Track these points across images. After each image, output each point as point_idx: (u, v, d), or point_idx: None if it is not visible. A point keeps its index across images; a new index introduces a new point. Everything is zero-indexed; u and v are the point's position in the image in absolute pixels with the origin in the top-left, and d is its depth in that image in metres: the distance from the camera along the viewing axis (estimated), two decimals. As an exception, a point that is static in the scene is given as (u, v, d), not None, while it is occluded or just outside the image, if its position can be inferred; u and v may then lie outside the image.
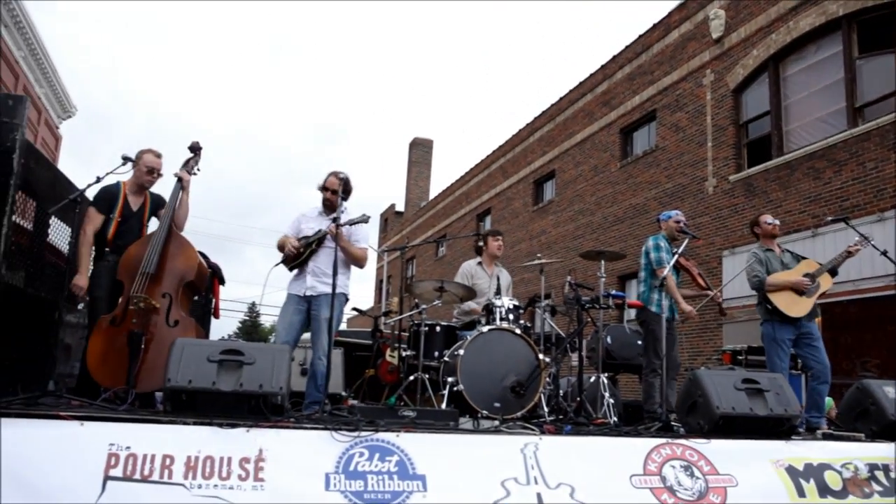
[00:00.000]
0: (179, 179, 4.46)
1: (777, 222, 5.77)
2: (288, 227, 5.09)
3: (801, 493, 3.60)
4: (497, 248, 6.13)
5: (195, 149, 4.60)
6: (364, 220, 4.74)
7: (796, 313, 5.33)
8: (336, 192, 4.82)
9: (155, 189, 4.71)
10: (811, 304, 5.39)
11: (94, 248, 4.46)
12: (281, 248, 4.95)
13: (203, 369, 3.27)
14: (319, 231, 4.86)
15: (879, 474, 3.80)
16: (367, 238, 5.10)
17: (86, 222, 4.34)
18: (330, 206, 4.96)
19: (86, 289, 4.16)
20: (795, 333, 5.38)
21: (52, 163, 4.82)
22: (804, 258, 5.69)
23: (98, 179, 4.16)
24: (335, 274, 4.30)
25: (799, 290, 5.37)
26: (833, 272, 5.50)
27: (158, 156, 4.56)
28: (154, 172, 4.52)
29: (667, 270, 5.05)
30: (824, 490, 3.65)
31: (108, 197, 4.43)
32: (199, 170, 4.62)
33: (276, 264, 4.92)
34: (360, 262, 4.99)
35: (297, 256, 4.82)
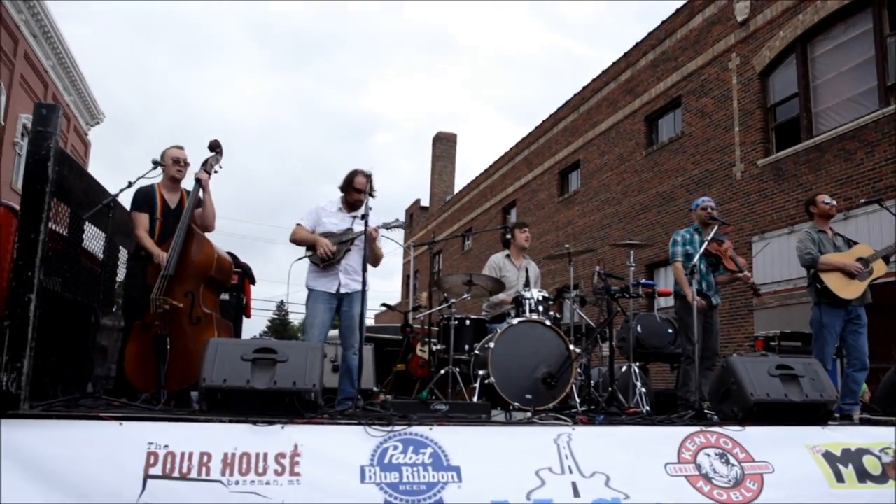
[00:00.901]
0: (198, 181, 4.52)
1: (834, 203, 5.68)
2: (305, 219, 4.97)
3: (840, 479, 3.55)
4: (525, 239, 6.13)
5: (214, 147, 4.64)
6: (402, 225, 4.80)
7: (847, 295, 5.25)
8: (364, 191, 4.87)
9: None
10: (863, 287, 5.31)
11: (131, 248, 4.56)
12: (301, 242, 4.88)
13: (237, 368, 3.33)
14: (351, 231, 4.86)
15: None
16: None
17: (136, 227, 4.44)
18: (354, 205, 4.97)
19: (165, 257, 4.23)
20: (845, 318, 5.31)
21: (84, 169, 4.92)
22: (856, 243, 5.59)
23: (130, 184, 4.24)
24: (364, 271, 4.34)
25: (851, 274, 5.28)
26: (887, 259, 5.40)
27: (180, 148, 4.66)
28: (180, 162, 4.59)
29: (696, 258, 5.02)
30: (863, 475, 3.60)
31: (146, 198, 4.52)
32: (220, 167, 4.65)
33: (300, 258, 4.89)
34: (378, 262, 5.04)
35: (329, 259, 4.80)
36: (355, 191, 4.93)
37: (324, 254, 4.75)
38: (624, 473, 3.32)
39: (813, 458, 3.62)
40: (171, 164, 4.56)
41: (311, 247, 4.87)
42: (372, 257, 4.84)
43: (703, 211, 5.64)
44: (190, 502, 2.85)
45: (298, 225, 4.94)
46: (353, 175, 4.97)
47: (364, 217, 4.54)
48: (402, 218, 4.79)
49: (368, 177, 4.90)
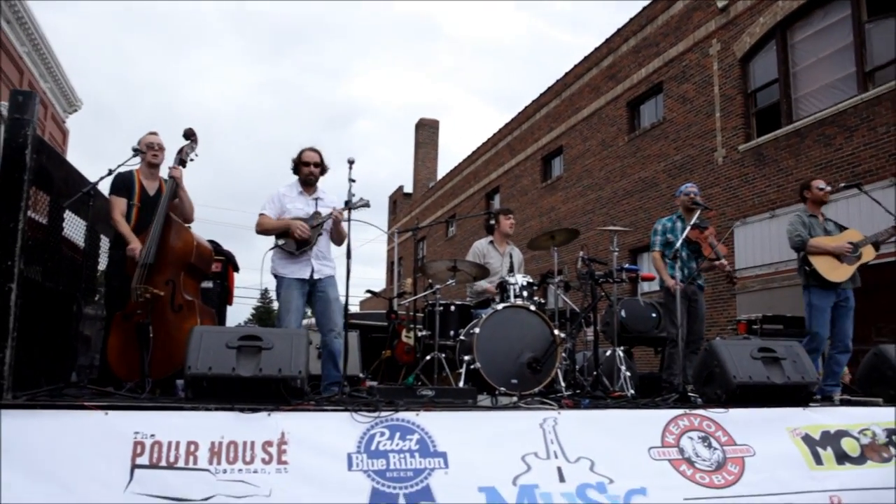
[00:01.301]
0: (172, 178, 4.48)
1: (829, 188, 5.72)
2: (268, 207, 4.85)
3: (819, 461, 3.62)
4: (509, 226, 6.14)
5: (189, 135, 4.60)
6: (366, 204, 4.73)
7: (836, 278, 5.33)
8: (318, 165, 4.88)
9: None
10: (851, 271, 5.38)
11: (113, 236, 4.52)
12: (272, 230, 4.78)
13: (222, 356, 3.32)
14: (319, 214, 4.82)
15: None
16: None
17: (112, 210, 4.41)
18: (310, 183, 4.94)
19: (139, 249, 4.21)
20: (835, 300, 5.38)
21: (63, 157, 4.85)
22: (847, 228, 5.65)
23: (110, 172, 4.21)
24: (349, 257, 4.33)
25: (839, 257, 5.35)
26: (877, 245, 5.47)
27: (154, 133, 4.66)
28: (154, 146, 4.58)
29: (677, 244, 5.08)
30: (842, 457, 3.67)
31: (124, 183, 4.49)
32: (196, 155, 4.62)
33: (273, 248, 4.80)
34: (342, 242, 4.93)
35: (307, 241, 4.76)
36: (304, 165, 4.89)
37: (301, 236, 4.70)
38: (608, 458, 3.36)
39: (793, 441, 3.67)
40: (147, 149, 4.54)
41: (281, 234, 4.79)
42: (340, 238, 4.86)
43: (685, 197, 5.73)
44: (177, 492, 2.83)
45: (262, 215, 4.83)
46: (301, 151, 4.94)
47: (348, 202, 4.53)
48: (366, 197, 4.71)
49: (319, 152, 4.91)
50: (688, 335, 5.46)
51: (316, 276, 4.79)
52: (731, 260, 11.09)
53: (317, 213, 4.84)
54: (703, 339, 5.74)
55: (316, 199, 4.94)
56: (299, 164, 4.92)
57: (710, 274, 10.85)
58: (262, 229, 4.83)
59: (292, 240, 4.75)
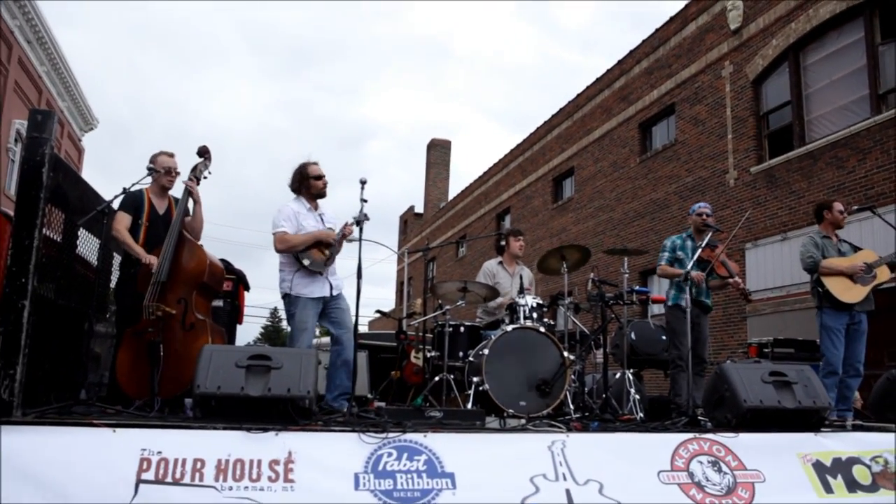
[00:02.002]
0: (187, 189, 4.49)
1: (846, 214, 5.72)
2: (286, 224, 4.71)
3: (829, 490, 3.56)
4: (519, 247, 6.15)
5: (203, 153, 4.61)
6: (366, 217, 4.72)
7: (849, 299, 5.28)
8: (322, 177, 4.86)
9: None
10: (865, 292, 5.33)
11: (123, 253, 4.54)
12: (298, 245, 4.66)
13: (231, 375, 3.31)
14: (332, 230, 4.83)
15: None
16: None
17: (116, 223, 4.40)
18: (318, 195, 4.92)
19: (154, 261, 4.19)
20: (848, 322, 5.33)
21: (79, 175, 4.91)
22: (861, 248, 5.62)
23: (124, 191, 4.24)
24: (359, 276, 4.34)
25: (853, 278, 5.31)
26: (892, 266, 5.42)
27: (171, 155, 4.63)
28: (172, 172, 4.59)
29: (689, 265, 5.06)
30: (853, 485, 3.62)
31: (133, 202, 4.49)
32: (209, 173, 4.62)
33: (298, 270, 4.72)
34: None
35: (329, 259, 4.73)
36: (316, 179, 4.86)
37: (335, 240, 4.70)
38: (617, 481, 3.33)
39: (803, 468, 3.63)
40: (164, 173, 4.55)
41: (303, 253, 4.70)
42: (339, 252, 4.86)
43: (697, 217, 5.70)
44: None
45: (284, 231, 4.69)
46: (304, 167, 4.87)
47: (359, 222, 4.52)
48: (365, 210, 4.66)
49: (317, 163, 4.89)
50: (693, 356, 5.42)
51: (335, 293, 4.82)
52: (743, 282, 11.02)
53: (329, 230, 4.85)
54: (707, 362, 5.70)
55: (321, 215, 4.94)
56: (309, 179, 4.85)
57: (722, 296, 10.75)
58: (288, 246, 4.67)
59: (318, 257, 4.69)
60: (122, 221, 4.41)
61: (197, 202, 4.57)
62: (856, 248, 5.61)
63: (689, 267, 5.07)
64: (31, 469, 2.82)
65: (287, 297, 4.74)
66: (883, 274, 5.38)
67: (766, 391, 3.92)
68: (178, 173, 4.62)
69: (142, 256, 4.25)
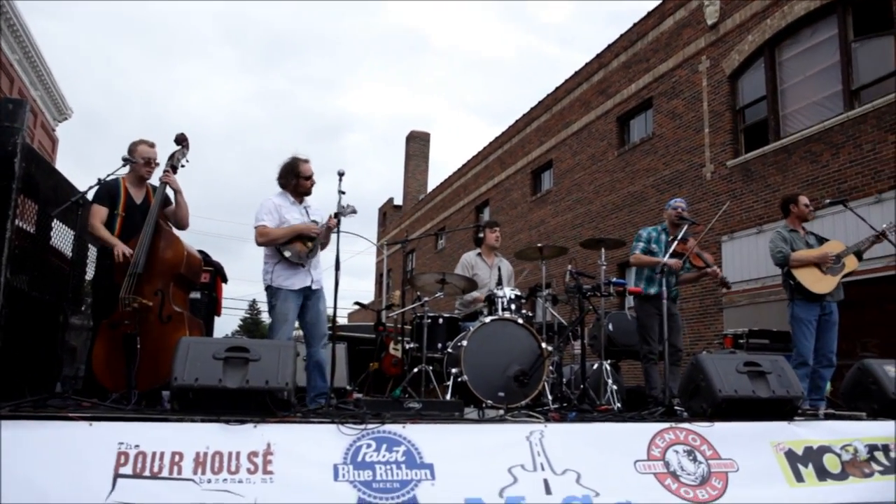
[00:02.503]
0: (163, 183, 4.42)
1: (812, 207, 5.80)
2: (267, 218, 4.72)
3: (800, 479, 3.62)
4: (494, 239, 6.17)
5: (181, 140, 4.55)
6: (353, 210, 4.71)
7: (820, 290, 5.37)
8: (311, 177, 4.86)
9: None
10: (835, 282, 5.44)
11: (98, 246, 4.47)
12: (278, 238, 4.67)
13: (209, 367, 3.29)
14: (317, 223, 4.82)
15: (879, 454, 3.83)
16: None
17: (91, 218, 4.33)
18: (304, 194, 4.93)
19: (124, 250, 4.12)
20: (819, 313, 5.42)
21: (52, 166, 4.82)
22: (828, 240, 5.72)
23: (99, 181, 4.17)
24: (337, 268, 4.33)
25: (822, 268, 5.40)
26: (859, 255, 5.52)
27: (152, 145, 4.54)
28: (151, 162, 4.51)
29: (665, 257, 5.12)
30: (823, 473, 3.68)
31: (108, 192, 4.40)
32: (187, 161, 4.56)
33: (279, 261, 4.72)
34: (323, 249, 4.95)
35: (311, 251, 4.73)
36: (305, 178, 4.86)
37: (317, 233, 4.70)
38: (595, 471, 3.35)
39: (775, 457, 3.68)
40: (142, 164, 4.47)
41: (285, 245, 4.71)
42: (326, 244, 4.87)
43: (672, 211, 5.76)
44: (161, 500, 2.82)
45: (264, 225, 4.70)
46: (295, 164, 4.85)
47: (337, 214, 4.55)
48: (352, 203, 4.71)
49: (308, 161, 4.88)
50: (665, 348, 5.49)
51: (314, 287, 4.79)
52: (720, 270, 11.18)
53: (314, 222, 4.84)
54: (682, 351, 5.76)
55: (306, 207, 4.94)
56: (297, 177, 4.84)
57: (699, 288, 10.89)
58: (269, 239, 4.69)
59: (300, 249, 4.70)
60: (97, 215, 4.33)
61: (178, 191, 4.51)
62: (822, 240, 5.71)
63: (665, 258, 5.12)
64: (7, 464, 2.77)
65: (269, 289, 4.73)
66: (851, 263, 5.49)
67: (741, 381, 3.97)
68: (157, 164, 4.54)
69: (117, 247, 4.17)
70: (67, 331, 4.32)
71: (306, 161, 4.89)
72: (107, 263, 4.34)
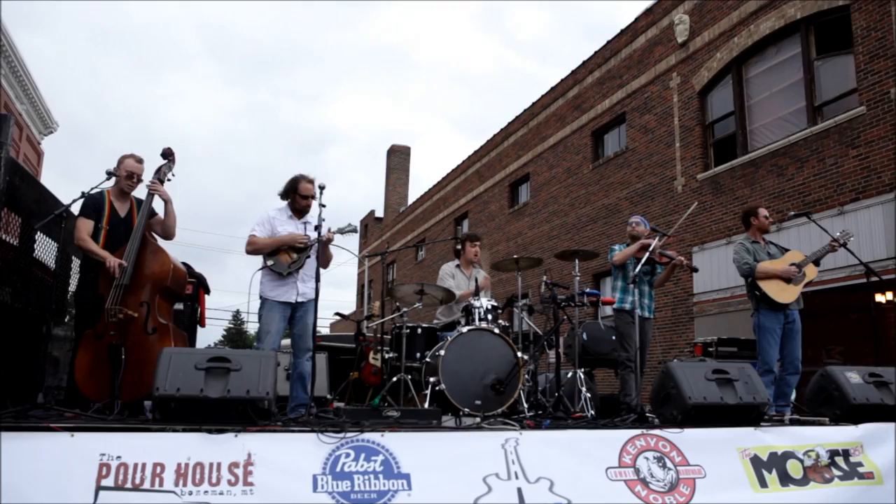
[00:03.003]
0: (150, 192, 4.45)
1: (771, 217, 5.99)
2: (258, 229, 4.89)
3: (763, 484, 3.71)
4: (474, 254, 6.26)
5: (167, 155, 4.58)
6: (354, 229, 4.86)
7: (784, 300, 5.53)
8: (313, 197, 4.92)
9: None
10: (797, 291, 5.60)
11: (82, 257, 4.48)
12: (264, 248, 4.79)
13: (191, 377, 3.29)
14: (310, 238, 4.87)
15: (839, 460, 3.93)
16: None
17: (78, 231, 4.34)
18: (302, 211, 5.02)
19: (118, 262, 4.14)
20: (783, 322, 5.57)
21: (37, 179, 4.83)
22: (788, 249, 5.89)
23: (83, 195, 4.17)
24: (318, 279, 4.41)
25: (786, 279, 5.58)
26: (817, 263, 5.71)
27: (140, 161, 4.56)
28: (133, 177, 4.51)
29: (637, 268, 5.27)
30: (785, 479, 3.77)
31: (94, 205, 4.42)
32: (173, 175, 4.59)
33: (262, 268, 4.84)
34: (328, 265, 5.05)
35: (297, 259, 4.81)
36: (302, 197, 4.96)
37: (303, 243, 4.78)
38: (567, 478, 3.41)
39: (741, 463, 3.76)
40: (125, 177, 4.47)
41: (271, 253, 4.82)
42: (326, 262, 4.91)
43: (629, 228, 6.04)
44: None
45: (253, 235, 4.86)
46: (297, 181, 4.95)
47: (317, 227, 4.63)
48: (354, 223, 4.87)
49: (312, 182, 4.95)
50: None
51: (299, 300, 4.84)
52: (689, 285, 11.40)
53: (306, 236, 4.90)
54: (646, 363, 5.92)
55: (305, 223, 5.02)
56: (296, 195, 4.96)
57: (671, 298, 11.07)
58: (254, 248, 4.84)
59: (284, 260, 4.79)
60: (83, 228, 4.34)
61: (167, 201, 4.53)
62: (783, 250, 5.88)
63: (634, 271, 5.26)
64: None
65: (260, 299, 4.86)
66: (811, 272, 5.67)
67: (710, 388, 4.06)
68: (140, 180, 4.55)
69: (107, 259, 4.19)
70: (50, 342, 4.31)
71: (309, 181, 4.96)
72: (90, 275, 4.34)
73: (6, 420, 3.17)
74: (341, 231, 4.77)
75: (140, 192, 4.60)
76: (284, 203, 5.05)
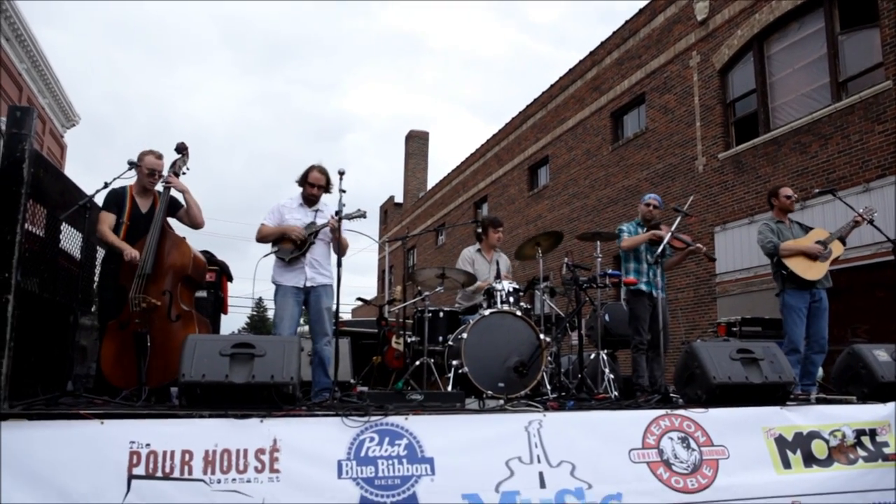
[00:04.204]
0: (167, 186, 4.51)
1: (795, 196, 5.89)
2: (268, 218, 5.11)
3: (787, 465, 3.67)
4: (497, 239, 6.25)
5: (181, 150, 4.66)
6: (362, 215, 4.90)
7: (811, 276, 5.47)
8: (322, 187, 5.08)
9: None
10: (825, 268, 5.53)
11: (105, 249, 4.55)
12: (269, 237, 5.00)
13: (216, 363, 3.32)
14: (314, 224, 5.02)
15: (865, 439, 3.88)
16: None
17: (99, 223, 4.43)
18: (313, 200, 5.15)
19: (137, 255, 4.22)
20: (809, 300, 5.51)
21: (60, 171, 4.90)
22: (812, 228, 5.81)
23: (106, 185, 4.24)
24: (339, 265, 4.44)
25: (812, 256, 5.51)
26: (843, 240, 5.63)
27: (159, 157, 4.63)
28: (155, 174, 4.58)
29: (644, 253, 5.26)
30: (809, 459, 3.73)
31: (116, 199, 4.51)
32: (188, 169, 4.66)
33: (267, 255, 5.02)
34: (345, 252, 5.06)
35: (298, 248, 4.94)
36: (310, 186, 5.11)
37: (297, 237, 4.90)
38: (589, 461, 3.40)
39: (766, 443, 3.72)
40: (146, 174, 4.55)
41: (276, 241, 4.99)
42: (340, 248, 4.94)
43: (644, 207, 5.95)
44: (174, 502, 2.87)
45: (263, 224, 5.08)
46: (308, 171, 5.13)
47: (338, 212, 4.68)
48: (363, 208, 4.98)
49: (325, 173, 5.09)
50: (652, 339, 5.58)
51: (309, 284, 4.95)
52: (711, 265, 11.28)
53: (312, 223, 5.04)
54: (669, 342, 5.87)
55: (316, 210, 5.16)
56: (304, 182, 5.13)
57: (693, 278, 10.97)
58: (261, 236, 5.06)
59: (286, 247, 4.93)
60: (106, 221, 4.44)
61: (186, 192, 4.61)
62: (806, 229, 5.80)
63: (644, 254, 5.22)
64: (21, 463, 2.82)
65: (273, 284, 5.02)
66: (837, 248, 5.59)
67: (734, 368, 4.03)
68: (161, 176, 4.61)
69: (125, 250, 4.26)
70: (78, 331, 4.39)
71: (321, 171, 5.13)
72: (112, 267, 4.42)
73: (37, 407, 3.24)
74: (349, 217, 4.83)
75: (160, 187, 4.65)
76: (300, 191, 5.21)
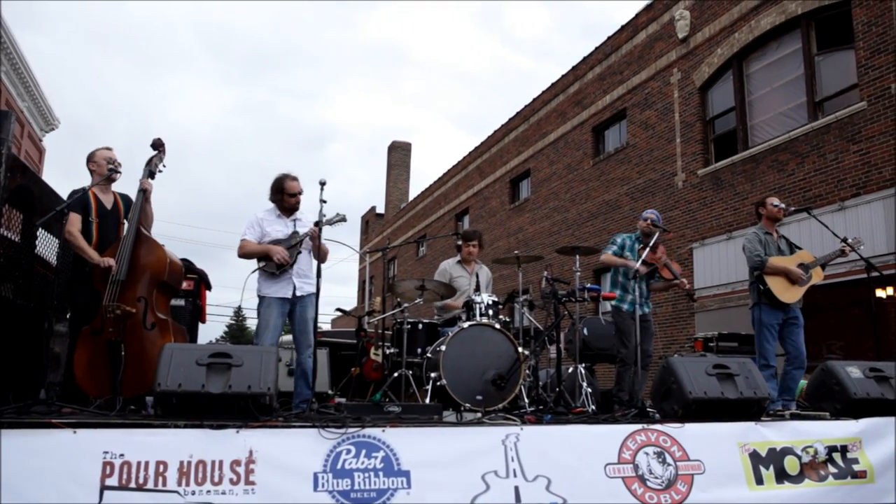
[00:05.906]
0: (143, 191, 4.40)
1: (783, 206, 5.87)
2: (248, 232, 5.01)
3: (760, 481, 3.71)
4: (468, 253, 6.24)
5: (158, 146, 4.52)
6: (342, 219, 4.87)
7: (787, 299, 5.49)
8: (300, 192, 5.03)
9: (121, 188, 4.70)
10: (801, 292, 5.56)
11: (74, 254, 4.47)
12: (252, 255, 4.94)
13: (192, 373, 3.29)
14: (297, 234, 4.96)
15: (837, 456, 3.93)
16: None
17: (69, 226, 4.29)
18: (290, 209, 5.09)
19: (111, 261, 4.12)
20: (783, 318, 5.54)
21: (38, 175, 4.82)
22: (799, 248, 5.83)
23: (84, 191, 4.19)
24: (318, 275, 4.42)
25: (793, 279, 5.54)
26: (824, 266, 5.67)
27: (109, 148, 4.57)
28: (116, 162, 4.49)
29: (637, 264, 5.27)
30: (781, 475, 3.77)
31: (80, 202, 4.37)
32: (164, 167, 4.54)
33: (255, 270, 4.94)
34: (325, 259, 5.04)
35: (289, 262, 4.88)
36: (290, 196, 5.04)
37: (281, 260, 4.83)
38: (565, 475, 3.41)
39: (740, 459, 3.76)
40: (106, 164, 4.44)
41: (263, 257, 4.92)
42: (321, 255, 4.91)
43: (642, 222, 5.91)
44: None
45: (244, 239, 4.99)
46: (282, 181, 5.04)
47: (318, 222, 4.66)
48: (342, 212, 4.92)
49: (296, 179, 5.04)
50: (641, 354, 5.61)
51: (298, 294, 4.93)
52: (690, 280, 11.39)
53: (294, 234, 4.99)
54: (651, 357, 5.92)
55: (294, 220, 5.09)
56: (282, 195, 5.03)
57: (671, 294, 11.07)
58: (244, 253, 4.98)
59: (272, 262, 4.87)
60: (75, 223, 4.31)
61: (147, 200, 4.47)
62: (793, 247, 5.81)
63: (639, 265, 5.25)
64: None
65: (258, 297, 4.96)
66: (817, 275, 5.60)
67: (710, 383, 4.06)
68: (120, 163, 4.52)
69: (96, 261, 4.16)
70: (52, 337, 4.32)
71: (293, 179, 5.06)
72: (85, 270, 4.31)
73: (8, 416, 3.16)
74: (330, 222, 4.78)
75: (122, 185, 4.55)
76: (272, 204, 5.13)
